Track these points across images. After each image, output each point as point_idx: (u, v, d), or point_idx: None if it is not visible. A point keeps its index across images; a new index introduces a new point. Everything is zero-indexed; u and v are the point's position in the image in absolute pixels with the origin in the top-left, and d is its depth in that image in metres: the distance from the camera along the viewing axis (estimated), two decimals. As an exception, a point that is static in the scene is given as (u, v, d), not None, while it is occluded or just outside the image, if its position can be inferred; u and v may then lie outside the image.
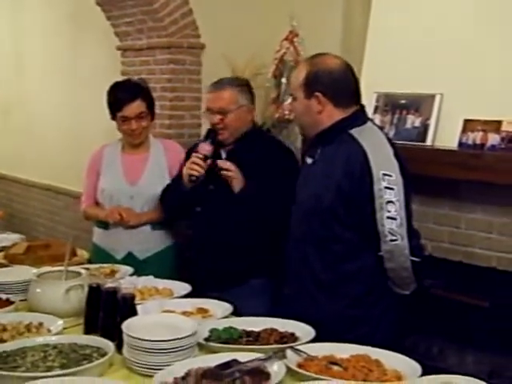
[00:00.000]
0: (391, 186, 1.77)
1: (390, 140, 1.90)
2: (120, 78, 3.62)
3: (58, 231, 4.88)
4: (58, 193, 4.90)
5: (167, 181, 2.57)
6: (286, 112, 2.95)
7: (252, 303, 2.06)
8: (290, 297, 2.01)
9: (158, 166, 2.60)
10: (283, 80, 2.99)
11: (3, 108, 5.54)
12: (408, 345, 2.22)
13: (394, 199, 1.78)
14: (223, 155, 2.39)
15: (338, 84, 1.88)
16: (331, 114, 1.88)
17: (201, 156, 2.27)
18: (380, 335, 1.84)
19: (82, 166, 4.53)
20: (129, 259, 2.52)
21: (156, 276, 2.19)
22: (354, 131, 1.86)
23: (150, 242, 2.57)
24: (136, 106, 2.50)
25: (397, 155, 1.83)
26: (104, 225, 2.61)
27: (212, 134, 2.34)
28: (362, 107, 1.94)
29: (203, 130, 3.14)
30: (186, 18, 3.30)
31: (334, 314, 1.87)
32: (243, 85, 2.39)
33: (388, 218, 1.78)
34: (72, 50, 4.55)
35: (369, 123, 1.92)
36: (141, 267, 2.40)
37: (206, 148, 2.29)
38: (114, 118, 2.58)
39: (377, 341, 1.67)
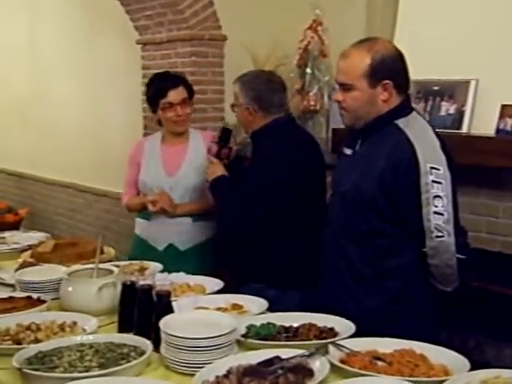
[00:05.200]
0: (439, 180, 1.72)
1: (436, 132, 1.82)
2: (140, 73, 3.62)
3: (79, 229, 4.89)
4: (78, 191, 4.91)
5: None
6: (312, 103, 2.90)
7: None
8: (325, 290, 1.96)
9: (197, 157, 2.58)
10: (308, 70, 2.94)
11: (22, 107, 5.55)
12: (443, 338, 2.17)
13: (441, 194, 1.72)
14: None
15: (401, 70, 1.82)
16: (391, 103, 1.81)
17: (212, 159, 2.35)
18: (418, 331, 1.79)
19: (102, 164, 4.57)
20: (170, 250, 2.54)
21: (197, 268, 2.21)
22: (400, 122, 1.79)
23: (191, 233, 2.57)
24: (180, 92, 2.53)
25: (444, 148, 1.76)
26: (146, 216, 2.61)
27: (223, 134, 2.39)
28: (408, 96, 1.87)
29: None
30: (207, 10, 3.27)
31: (373, 309, 1.83)
32: (247, 82, 2.28)
33: (435, 213, 1.72)
34: (89, 46, 4.53)
35: (414, 113, 1.85)
36: (182, 258, 2.47)
37: (213, 149, 2.38)
38: (155, 110, 2.58)
39: (415, 336, 1.62)
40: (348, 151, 1.92)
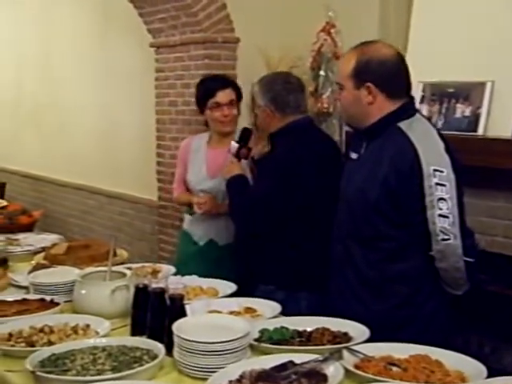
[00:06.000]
0: (443, 183, 1.70)
1: (440, 134, 1.81)
2: (153, 76, 3.62)
3: (91, 231, 4.91)
4: (90, 192, 4.92)
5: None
6: (325, 105, 2.89)
7: None
8: (334, 293, 1.95)
9: None
10: (321, 72, 2.93)
11: (36, 111, 5.59)
12: (458, 343, 2.14)
13: (445, 196, 1.70)
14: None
15: (391, 74, 1.80)
16: (382, 106, 1.80)
17: (231, 158, 2.37)
18: (430, 335, 1.76)
19: (115, 166, 4.59)
20: (210, 245, 2.64)
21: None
22: (403, 124, 1.78)
23: (230, 229, 2.60)
24: (228, 93, 2.59)
25: (448, 150, 1.74)
26: (191, 212, 2.69)
27: (243, 134, 2.39)
28: (412, 99, 1.86)
29: (239, 126, 3.09)
30: (220, 13, 3.27)
31: (381, 313, 1.81)
32: (265, 84, 2.31)
33: (440, 215, 1.70)
34: (102, 49, 4.55)
35: (417, 115, 1.84)
36: (221, 254, 2.56)
37: (233, 149, 2.39)
38: (203, 110, 2.64)
39: (426, 341, 1.60)
40: (354, 155, 1.91)
